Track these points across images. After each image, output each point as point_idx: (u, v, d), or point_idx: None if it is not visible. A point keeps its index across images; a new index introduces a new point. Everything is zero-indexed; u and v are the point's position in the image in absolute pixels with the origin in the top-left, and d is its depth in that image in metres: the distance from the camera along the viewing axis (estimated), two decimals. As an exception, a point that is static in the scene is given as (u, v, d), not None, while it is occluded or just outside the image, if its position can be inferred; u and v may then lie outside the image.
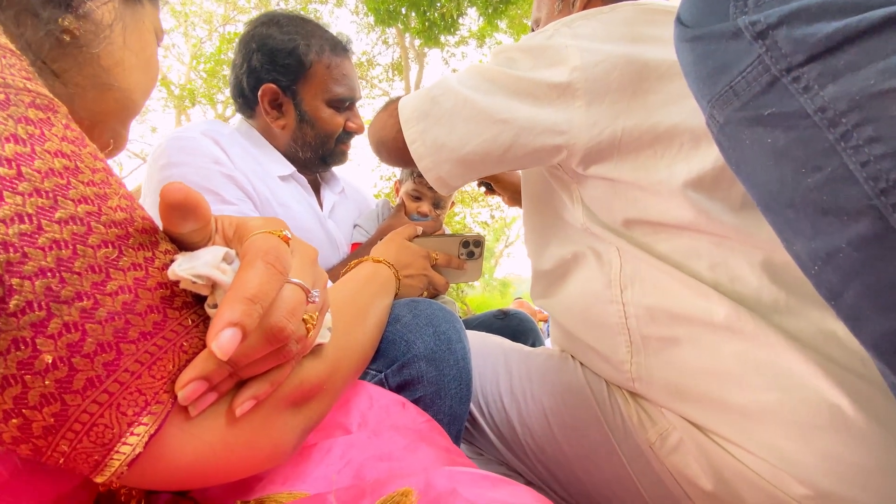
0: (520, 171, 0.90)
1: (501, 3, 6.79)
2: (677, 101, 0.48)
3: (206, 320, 0.24)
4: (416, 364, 0.48)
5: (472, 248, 0.76)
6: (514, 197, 1.09)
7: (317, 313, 0.28)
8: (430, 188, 1.04)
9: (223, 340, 0.20)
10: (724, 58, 0.25)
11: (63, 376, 0.17)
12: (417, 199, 1.04)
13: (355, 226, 1.04)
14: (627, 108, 0.49)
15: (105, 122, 0.35)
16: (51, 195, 0.18)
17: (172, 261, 0.23)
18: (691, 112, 0.48)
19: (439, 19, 6.80)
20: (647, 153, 0.49)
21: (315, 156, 0.90)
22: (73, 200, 0.18)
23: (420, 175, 1.03)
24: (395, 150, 0.63)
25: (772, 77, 0.24)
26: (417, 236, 0.73)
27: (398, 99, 0.63)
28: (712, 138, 0.44)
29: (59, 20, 0.30)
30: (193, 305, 0.24)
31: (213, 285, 0.23)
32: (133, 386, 0.20)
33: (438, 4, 6.66)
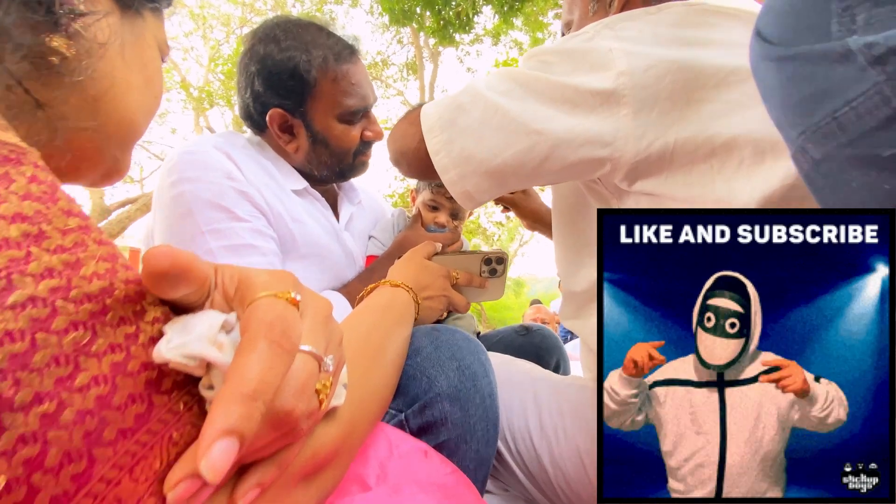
0: (537, 188, 0.85)
1: (517, 0, 6.70)
2: (737, 111, 0.43)
3: (202, 401, 0.20)
4: (439, 404, 0.44)
5: (495, 265, 0.72)
6: (535, 223, 1.04)
7: (331, 380, 0.24)
8: (449, 198, 1.00)
9: (214, 457, 0.16)
10: (825, 83, 0.20)
11: (21, 499, 0.14)
12: (434, 209, 1.00)
13: (370, 237, 1.00)
14: (680, 119, 0.45)
15: (103, 148, 0.32)
16: (2, 275, 0.14)
17: (161, 333, 0.19)
18: (754, 123, 0.43)
19: (454, 18, 6.74)
20: (701, 168, 0.45)
21: (332, 173, 0.87)
22: (32, 276, 0.15)
23: (438, 185, 0.99)
24: (416, 161, 0.59)
25: (893, 111, 0.19)
26: (437, 253, 0.69)
27: (420, 107, 0.59)
28: (781, 155, 0.39)
29: (46, 40, 0.26)
30: (186, 384, 0.20)
31: (209, 364, 0.19)
32: (110, 496, 0.16)
33: (454, 3, 6.60)
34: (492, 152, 0.51)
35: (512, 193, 1.08)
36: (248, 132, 0.90)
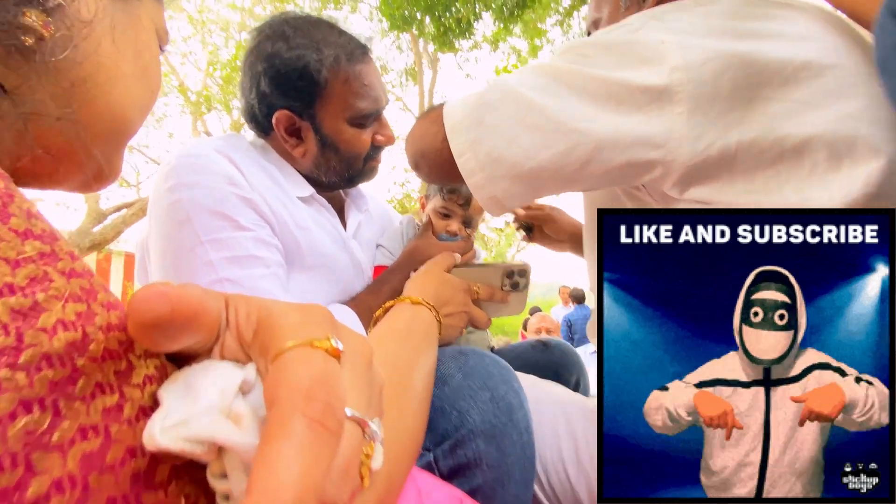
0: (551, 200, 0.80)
1: (517, 7, 6.71)
2: (808, 110, 0.39)
3: (210, 492, 0.15)
4: (472, 442, 0.39)
5: (517, 278, 0.66)
6: (565, 242, 0.99)
7: (374, 447, 0.19)
8: (461, 205, 0.95)
9: None
10: None
11: None
12: (446, 216, 0.95)
13: (378, 246, 0.95)
14: (742, 119, 0.40)
15: (87, 147, 0.27)
16: None
17: (154, 401, 0.14)
18: (828, 124, 0.38)
19: (454, 24, 6.74)
20: (766, 174, 0.40)
21: (340, 179, 0.82)
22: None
23: (451, 191, 0.94)
24: (438, 163, 0.54)
25: None
26: (456, 265, 0.64)
27: (442, 105, 0.54)
28: (861, 159, 0.34)
29: (19, 15, 0.21)
30: (187, 470, 0.15)
31: (221, 448, 0.14)
32: None
33: (454, 9, 6.60)
34: (525, 154, 0.46)
35: (535, 210, 1.03)
36: (252, 135, 0.85)
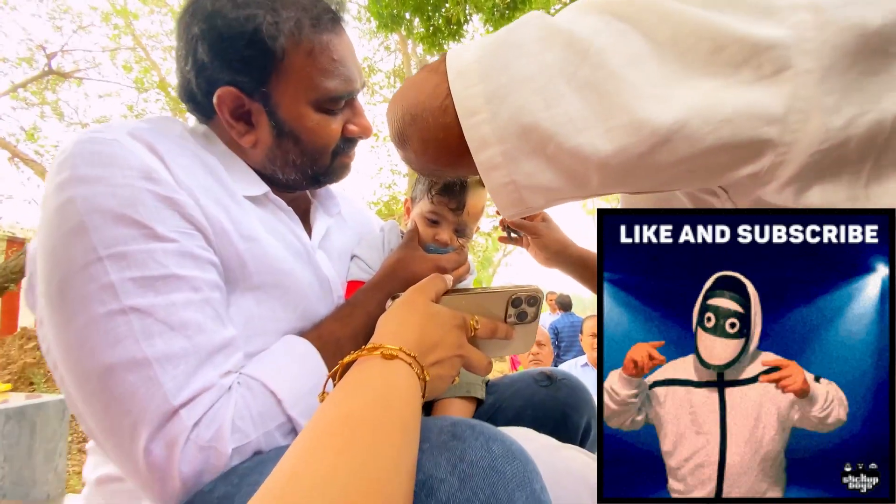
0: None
1: (508, 9, 6.62)
2: None
3: None
4: None
5: (525, 306, 0.51)
6: (553, 258, 0.87)
7: None
8: (454, 209, 0.80)
9: None
10: None
11: None
12: (435, 223, 0.80)
13: (353, 257, 0.79)
14: None
15: None
16: None
17: None
18: None
19: (444, 25, 6.62)
20: None
21: (303, 177, 0.66)
22: None
23: (441, 191, 0.79)
24: (434, 132, 0.37)
25: None
26: (448, 293, 0.48)
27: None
28: None
29: None
30: None
31: None
32: None
33: (443, 10, 6.47)
34: (573, 124, 0.31)
35: (530, 219, 0.89)
36: (194, 120, 0.68)
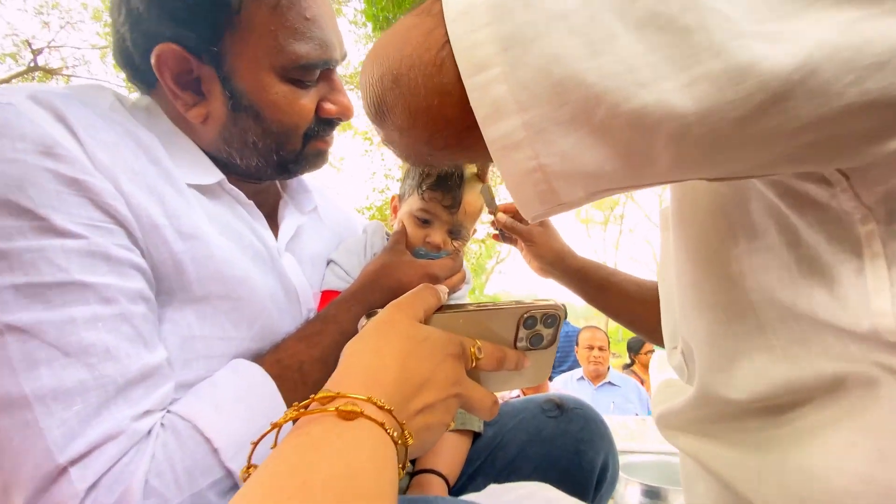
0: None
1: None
2: None
3: None
4: None
5: (541, 327, 0.40)
6: (550, 266, 0.75)
7: None
8: (448, 206, 0.69)
9: None
10: None
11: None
12: (426, 223, 0.68)
13: (329, 262, 0.67)
14: None
15: None
16: None
17: None
18: None
19: (440, 28, 6.57)
20: None
21: (266, 163, 0.54)
22: None
23: (434, 185, 0.68)
24: (426, 96, 0.26)
25: None
26: (441, 310, 0.37)
27: None
28: None
29: None
30: None
31: None
32: None
33: (440, 13, 6.42)
34: (633, 75, 0.21)
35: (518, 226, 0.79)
36: (138, 93, 0.56)
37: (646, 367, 3.42)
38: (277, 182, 0.66)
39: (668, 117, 0.22)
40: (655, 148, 0.23)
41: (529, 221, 0.27)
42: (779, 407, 0.31)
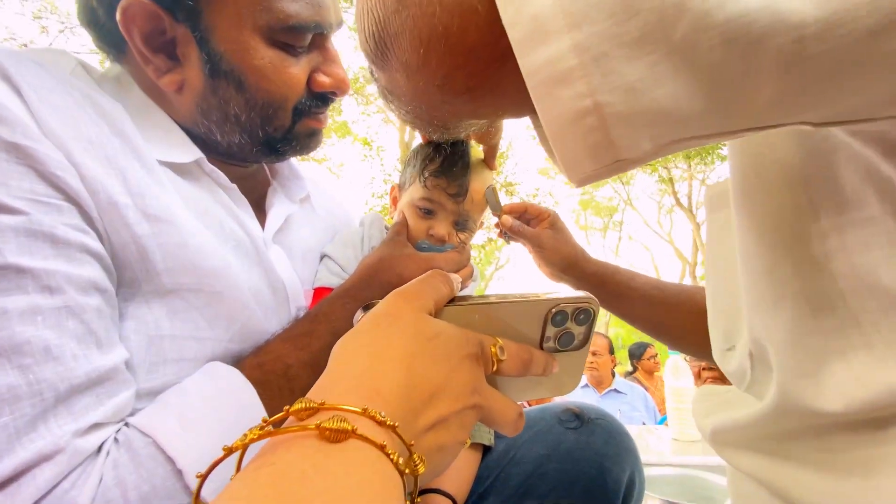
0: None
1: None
2: None
3: None
4: None
5: (572, 325, 0.33)
6: (564, 271, 0.70)
7: None
8: (454, 195, 0.62)
9: None
10: None
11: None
12: (429, 213, 0.62)
13: (323, 256, 0.61)
14: None
15: None
16: None
17: None
18: None
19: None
20: None
21: (252, 141, 0.48)
22: None
23: (439, 172, 0.61)
24: (444, 15, 0.19)
25: None
26: (453, 302, 0.30)
27: None
28: None
29: None
30: None
31: None
32: None
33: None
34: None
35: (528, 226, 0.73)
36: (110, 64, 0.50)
37: (649, 373, 3.34)
38: (266, 168, 0.60)
39: (778, 28, 0.15)
40: (757, 74, 0.17)
41: (576, 185, 0.20)
42: (880, 421, 0.25)
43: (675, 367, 1.19)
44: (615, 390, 2.72)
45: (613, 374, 2.86)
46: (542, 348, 0.33)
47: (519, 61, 0.18)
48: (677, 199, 12.17)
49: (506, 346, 0.29)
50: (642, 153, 0.19)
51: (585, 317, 0.33)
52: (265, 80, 0.44)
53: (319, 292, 0.58)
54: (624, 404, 2.68)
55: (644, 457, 1.15)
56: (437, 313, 0.28)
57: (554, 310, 0.32)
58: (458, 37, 0.19)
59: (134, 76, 0.46)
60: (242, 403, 0.37)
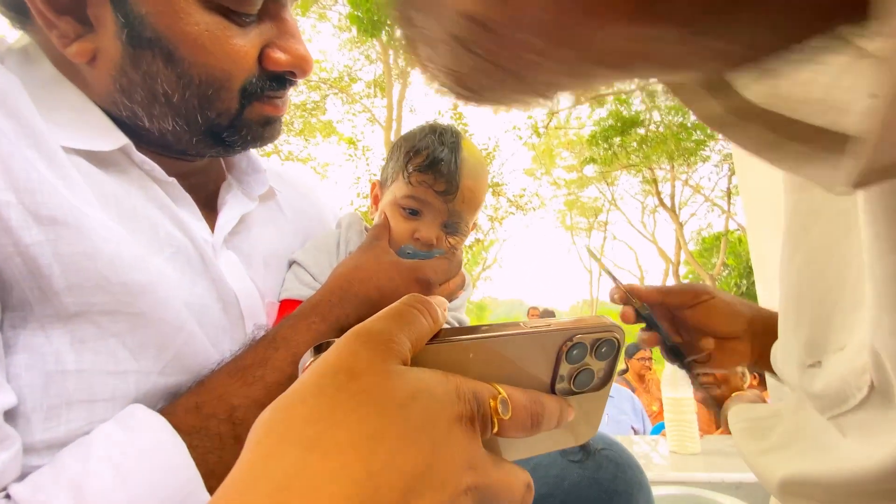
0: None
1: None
2: None
3: None
4: None
5: (591, 360, 0.26)
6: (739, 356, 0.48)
7: None
8: (443, 192, 0.54)
9: None
10: None
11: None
12: (415, 214, 0.54)
13: (291, 263, 0.52)
14: None
15: None
16: None
17: None
18: None
19: (426, 31, 6.49)
20: None
21: (190, 128, 0.39)
22: None
23: (425, 167, 0.53)
24: None
25: None
26: (439, 336, 0.22)
27: None
28: None
29: None
30: None
31: None
32: None
33: (426, 16, 6.33)
34: None
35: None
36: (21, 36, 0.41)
37: (639, 375, 3.30)
38: (223, 162, 0.51)
39: None
40: None
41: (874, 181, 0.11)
42: None
43: (674, 376, 1.13)
44: (604, 393, 2.68)
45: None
46: (554, 391, 0.25)
47: None
48: (661, 200, 12.30)
49: (509, 398, 0.21)
50: None
51: (608, 350, 0.26)
52: (202, 51, 0.36)
53: (286, 305, 0.50)
54: (612, 408, 2.63)
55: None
56: (415, 357, 0.20)
57: (570, 343, 0.24)
58: None
59: (43, 46, 0.37)
60: (167, 466, 0.28)
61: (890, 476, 0.20)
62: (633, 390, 3.08)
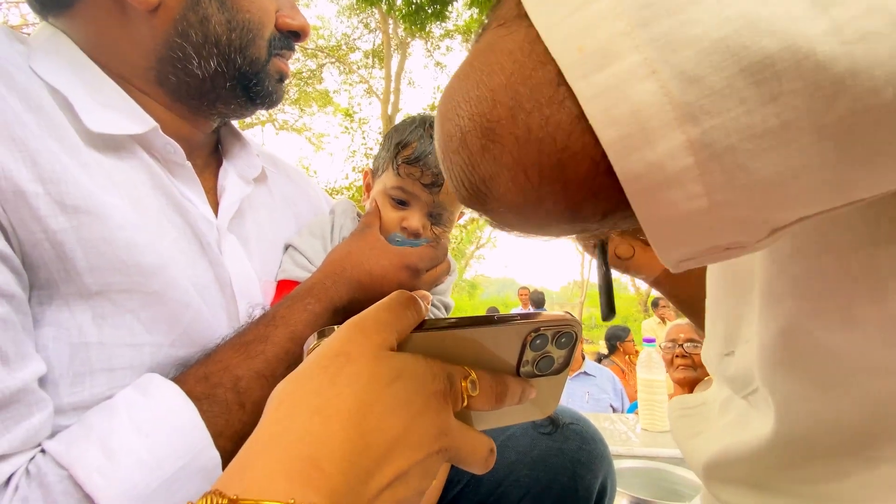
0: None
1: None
2: None
3: None
4: None
5: (552, 348, 0.30)
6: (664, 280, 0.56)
7: None
8: (429, 185, 0.57)
9: None
10: None
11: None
12: (403, 204, 0.57)
13: (287, 247, 0.56)
14: None
15: None
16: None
17: None
18: None
19: (427, 3, 6.29)
20: None
21: (227, 71, 0.43)
22: None
23: (412, 159, 0.56)
24: (550, 132, 0.15)
25: None
26: (423, 326, 0.26)
27: None
28: None
29: None
30: None
31: None
32: None
33: (428, -15, 6.13)
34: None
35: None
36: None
37: (631, 355, 3.37)
38: (220, 147, 0.53)
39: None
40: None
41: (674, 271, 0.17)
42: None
43: (649, 358, 1.20)
44: (585, 373, 2.77)
45: (583, 357, 2.90)
46: (519, 373, 0.30)
47: (615, 166, 0.14)
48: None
49: (478, 378, 0.26)
50: (760, 246, 0.16)
51: (567, 340, 0.30)
52: (246, 0, 0.42)
53: (283, 285, 0.54)
54: (593, 386, 2.74)
55: (613, 447, 1.17)
56: (401, 343, 0.24)
57: (534, 334, 0.29)
58: (569, 163, 0.15)
59: (75, 35, 0.40)
60: (180, 426, 0.32)
61: (777, 440, 0.25)
62: (623, 372, 3.18)
